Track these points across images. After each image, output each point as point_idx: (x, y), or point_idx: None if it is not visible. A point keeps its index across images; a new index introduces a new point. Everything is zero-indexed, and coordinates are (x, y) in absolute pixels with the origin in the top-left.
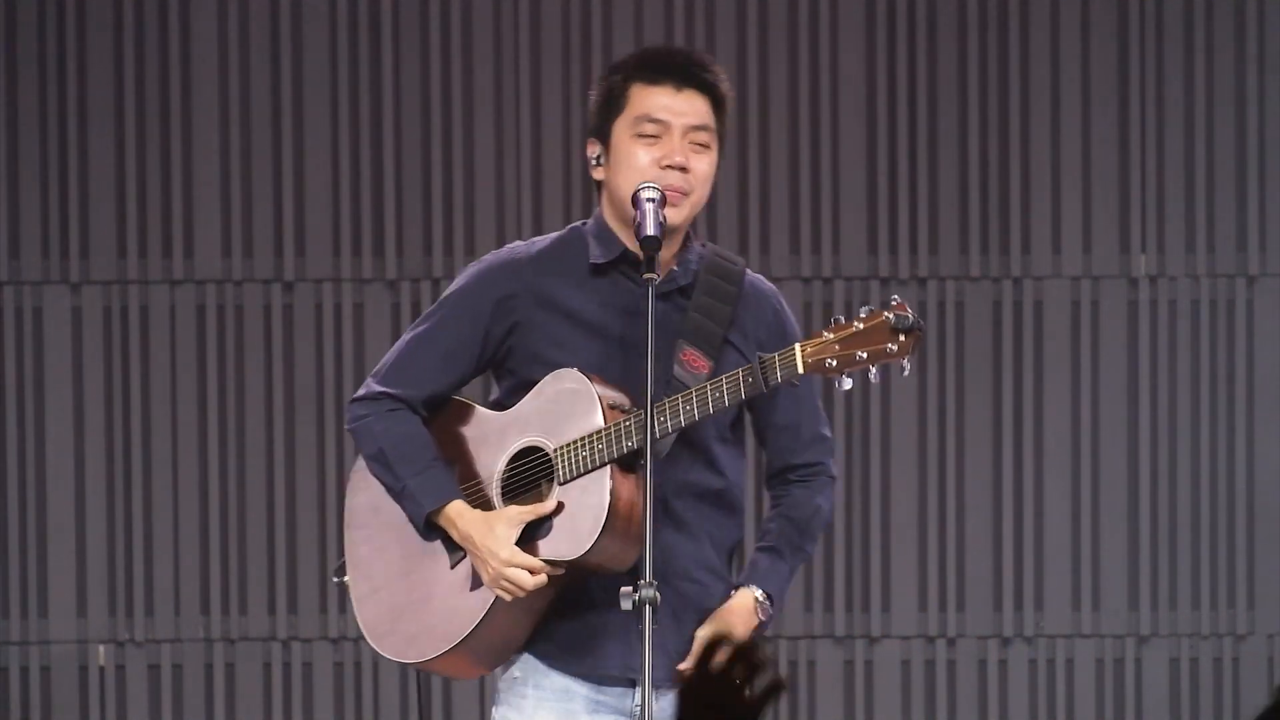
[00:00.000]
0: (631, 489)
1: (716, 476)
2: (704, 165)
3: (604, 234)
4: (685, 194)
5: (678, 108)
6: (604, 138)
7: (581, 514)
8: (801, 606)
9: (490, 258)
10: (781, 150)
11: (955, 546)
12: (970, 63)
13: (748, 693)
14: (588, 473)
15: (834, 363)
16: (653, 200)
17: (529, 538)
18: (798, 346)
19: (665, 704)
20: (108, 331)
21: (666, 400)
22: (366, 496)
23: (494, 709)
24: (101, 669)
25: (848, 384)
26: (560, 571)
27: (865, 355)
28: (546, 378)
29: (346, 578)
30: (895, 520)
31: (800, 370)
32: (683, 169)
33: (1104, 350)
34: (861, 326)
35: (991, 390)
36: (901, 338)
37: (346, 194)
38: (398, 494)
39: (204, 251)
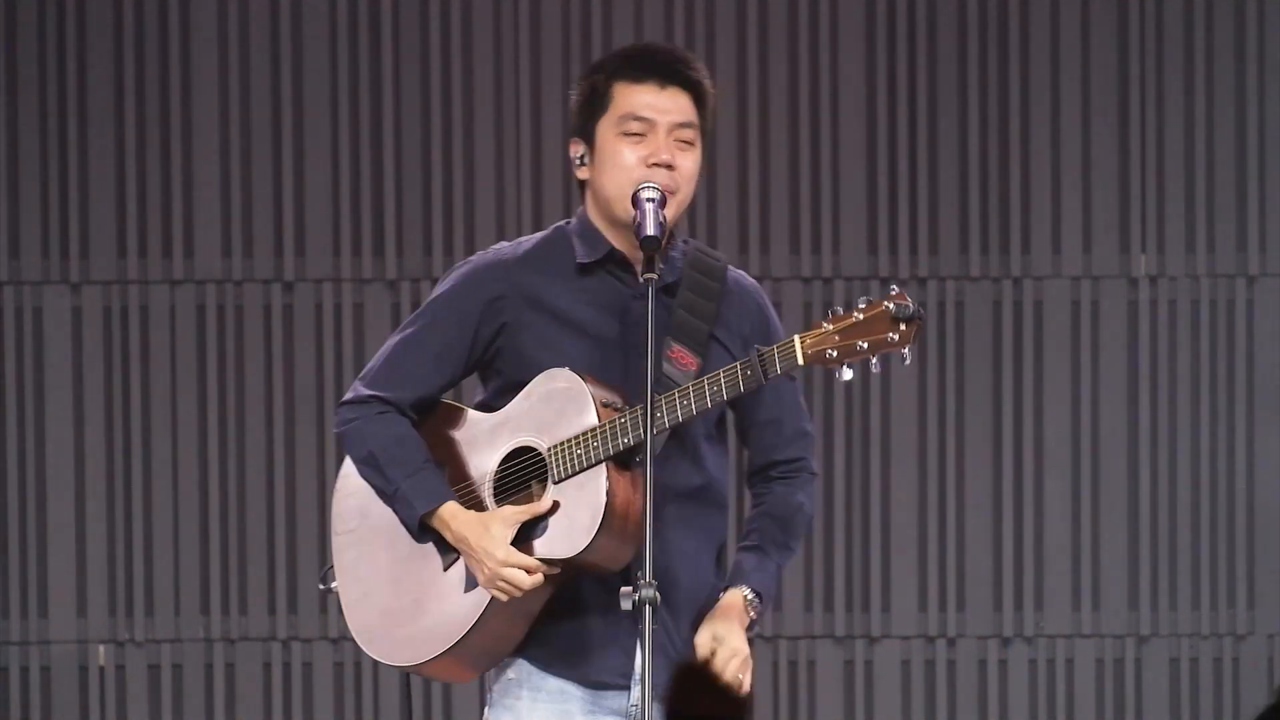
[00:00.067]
0: (628, 486)
1: (703, 473)
2: (689, 163)
3: (589, 233)
4: (673, 192)
5: (662, 105)
6: (588, 137)
7: (578, 512)
8: (801, 606)
9: (477, 259)
10: (781, 150)
11: (955, 546)
12: (970, 63)
13: None
14: (583, 471)
15: (834, 353)
16: (653, 200)
17: (524, 538)
18: (796, 338)
19: (656, 709)
20: (108, 331)
21: (663, 396)
22: (353, 501)
23: (487, 710)
24: (101, 669)
25: (848, 374)
26: (556, 571)
27: (866, 345)
28: (537, 378)
29: (335, 584)
30: (895, 520)
31: (800, 362)
32: (669, 167)
33: (1104, 350)
34: (861, 317)
35: (991, 390)
36: (902, 326)
37: (346, 194)
38: (389, 497)
39: (204, 251)
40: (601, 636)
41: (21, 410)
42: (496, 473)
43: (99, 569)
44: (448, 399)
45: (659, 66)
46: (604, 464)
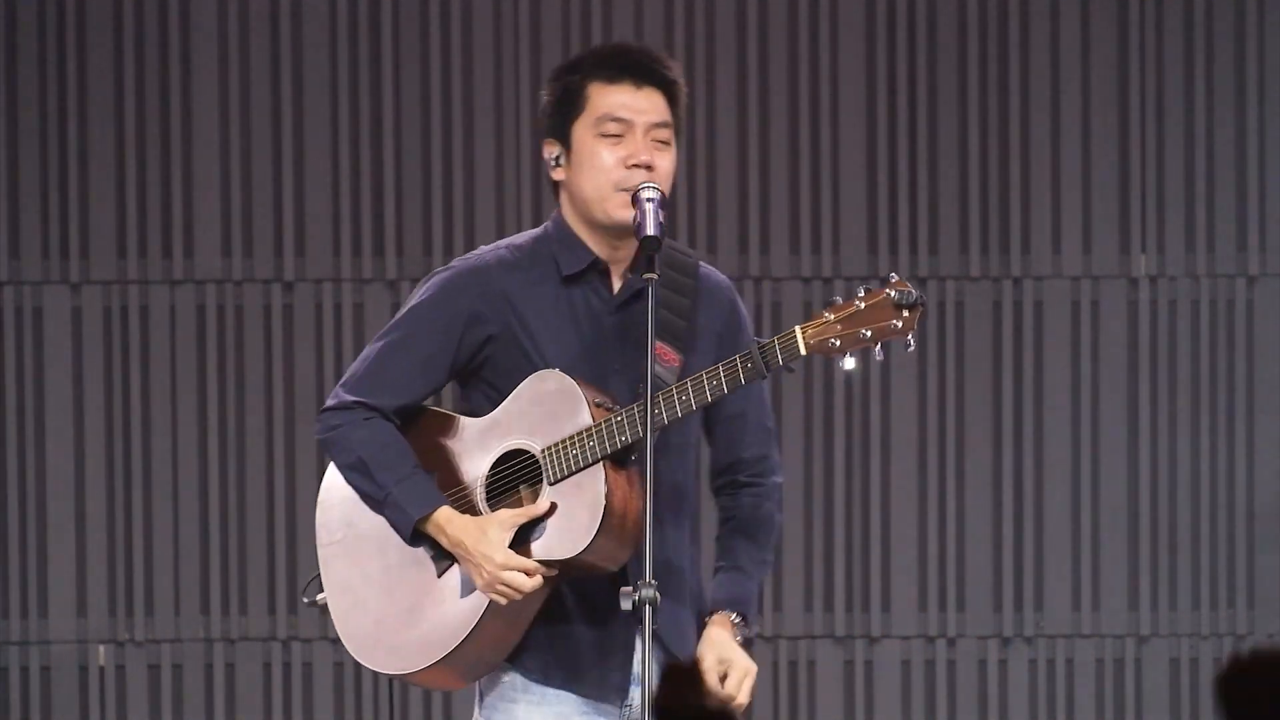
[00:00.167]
0: (625, 486)
1: (689, 472)
2: (666, 162)
3: (570, 240)
4: None
5: (639, 105)
6: (563, 138)
7: (576, 512)
8: (801, 606)
9: (459, 264)
10: (781, 150)
11: (955, 546)
12: (970, 63)
13: None
14: (579, 471)
15: (837, 343)
16: (653, 200)
17: (521, 540)
18: (798, 329)
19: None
20: (108, 331)
21: (660, 393)
22: (337, 511)
23: (478, 711)
24: (101, 669)
25: (850, 364)
26: (555, 572)
27: (869, 333)
28: (526, 380)
29: (320, 595)
30: (895, 520)
31: (802, 352)
32: (648, 167)
33: (1104, 350)
34: (863, 305)
35: (991, 390)
36: (905, 313)
37: (346, 194)
38: (379, 503)
39: (204, 251)
40: (598, 647)
41: (21, 410)
42: (488, 476)
43: (99, 569)
44: (431, 405)
45: (634, 66)
46: (601, 464)
